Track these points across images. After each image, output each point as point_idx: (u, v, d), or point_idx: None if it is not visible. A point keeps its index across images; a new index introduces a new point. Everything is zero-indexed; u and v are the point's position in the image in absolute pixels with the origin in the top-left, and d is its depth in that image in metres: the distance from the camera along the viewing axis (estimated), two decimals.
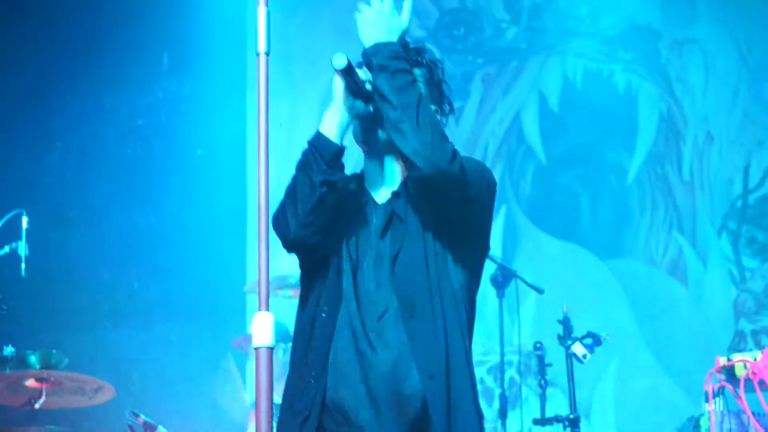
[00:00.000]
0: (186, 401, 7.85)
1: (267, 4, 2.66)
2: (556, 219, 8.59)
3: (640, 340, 8.20)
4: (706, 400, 4.62)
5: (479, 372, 8.23)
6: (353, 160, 3.34)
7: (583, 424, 6.14)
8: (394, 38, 3.21)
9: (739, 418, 4.56)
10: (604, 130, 8.66)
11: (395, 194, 3.28)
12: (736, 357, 4.65)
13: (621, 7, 8.76)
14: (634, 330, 8.21)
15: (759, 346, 7.75)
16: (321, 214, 3.16)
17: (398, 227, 3.23)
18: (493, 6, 8.92)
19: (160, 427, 5.74)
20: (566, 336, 6.14)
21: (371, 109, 3.25)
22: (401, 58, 3.17)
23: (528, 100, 8.76)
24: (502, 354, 7.07)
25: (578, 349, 6.07)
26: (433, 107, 3.30)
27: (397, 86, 3.12)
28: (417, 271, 3.18)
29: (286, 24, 8.43)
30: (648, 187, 8.50)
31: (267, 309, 2.50)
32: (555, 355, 6.42)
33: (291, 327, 3.38)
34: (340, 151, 3.21)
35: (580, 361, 6.08)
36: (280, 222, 3.22)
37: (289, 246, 3.20)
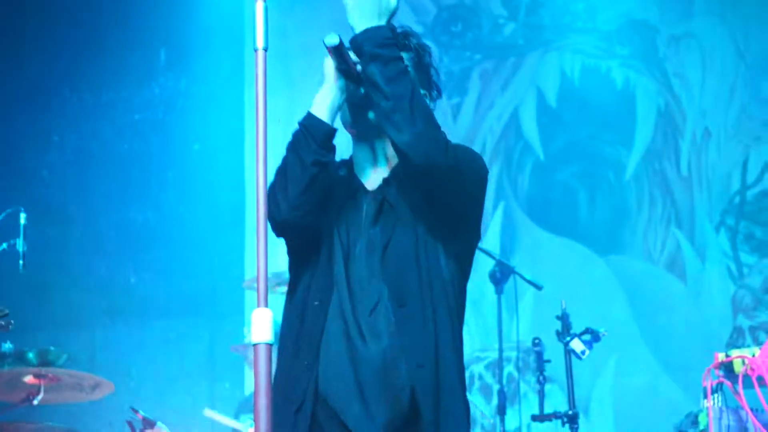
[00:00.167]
0: (184, 397, 7.85)
1: (264, 0, 2.66)
2: (554, 215, 8.59)
3: (639, 337, 8.20)
4: (705, 397, 4.60)
5: (477, 368, 8.24)
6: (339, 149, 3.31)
7: (581, 420, 6.14)
8: (383, 21, 3.11)
9: (738, 415, 4.55)
10: (601, 126, 8.65)
11: (386, 181, 3.26)
12: (735, 353, 4.64)
13: (618, 3, 8.75)
14: (632, 326, 8.21)
15: (757, 342, 7.76)
16: (312, 196, 3.12)
17: (389, 215, 3.21)
18: (491, 2, 8.91)
19: (159, 423, 5.74)
20: (565, 332, 6.14)
21: (362, 91, 3.19)
22: (393, 45, 3.10)
23: (526, 96, 8.76)
24: (501, 350, 7.06)
25: (577, 345, 6.07)
26: (421, 92, 3.23)
27: (389, 75, 3.04)
28: (407, 260, 3.16)
29: (284, 19, 8.42)
30: (646, 183, 8.50)
31: (266, 305, 2.50)
32: (553, 351, 6.42)
33: None
34: (331, 131, 3.17)
35: (579, 358, 6.08)
36: (270, 203, 3.12)
37: (279, 228, 3.16)
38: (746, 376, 4.46)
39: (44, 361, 6.01)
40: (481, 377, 8.24)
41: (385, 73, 3.04)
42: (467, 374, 8.16)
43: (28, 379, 5.95)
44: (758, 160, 8.43)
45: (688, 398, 7.47)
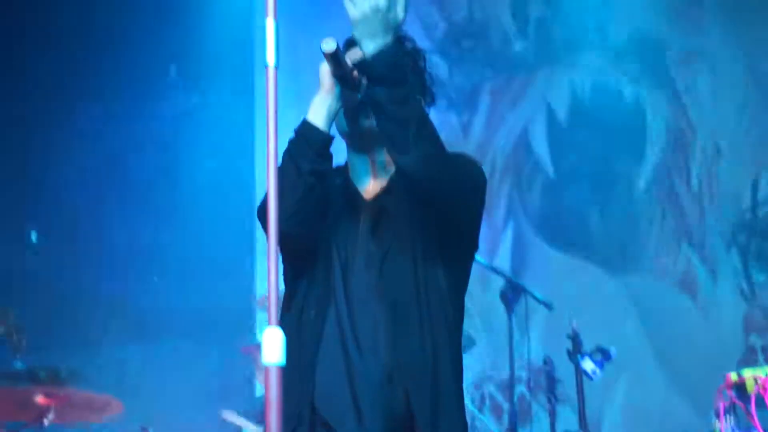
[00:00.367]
0: (194, 416, 7.83)
1: (275, 17, 2.64)
2: (565, 233, 8.56)
3: (650, 355, 8.17)
4: (717, 417, 4.58)
5: (488, 388, 8.21)
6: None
7: None
8: (390, 35, 2.99)
9: None
10: (612, 143, 8.64)
11: (385, 191, 3.23)
12: (747, 373, 4.61)
13: (628, 19, 8.75)
14: (643, 345, 8.18)
15: None
16: (308, 205, 3.06)
17: (387, 226, 3.19)
18: (501, 18, 8.91)
19: None
20: (576, 351, 6.12)
21: (359, 97, 3.15)
22: (402, 65, 3.03)
23: (536, 112, 8.75)
24: (512, 370, 7.03)
25: (588, 365, 6.05)
26: (416, 97, 3.18)
27: (396, 97, 2.96)
28: (405, 273, 3.14)
29: (294, 35, 8.41)
30: (657, 200, 8.48)
31: (277, 325, 2.48)
32: (564, 370, 6.39)
33: None
34: (328, 139, 3.12)
35: (590, 378, 6.05)
36: (265, 212, 3.14)
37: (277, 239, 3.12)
38: (759, 396, 4.43)
39: (55, 381, 6.00)
40: (492, 397, 8.21)
41: (392, 96, 2.96)
42: (478, 394, 8.18)
43: (39, 398, 5.94)
44: None
45: (699, 418, 7.43)
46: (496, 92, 8.82)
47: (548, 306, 6.91)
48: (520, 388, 7.90)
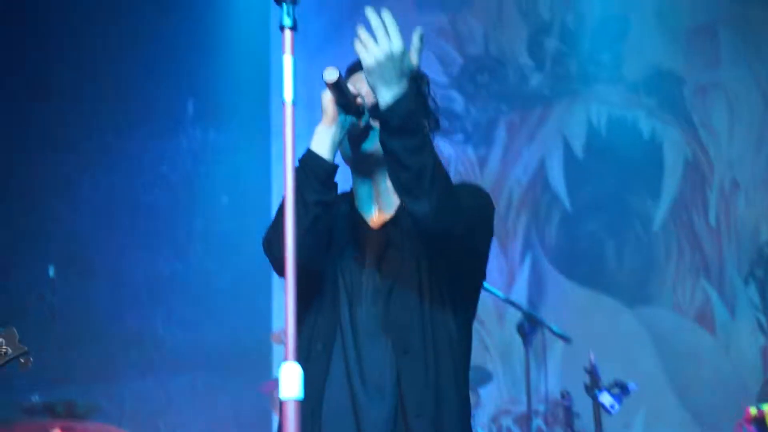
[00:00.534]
0: None
1: (293, 53, 2.66)
2: (582, 266, 8.55)
3: (668, 389, 8.14)
4: None
5: (506, 421, 8.19)
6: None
7: None
8: (404, 82, 2.95)
9: None
10: (629, 177, 8.63)
11: (391, 222, 3.21)
12: (766, 407, 4.59)
13: (644, 53, 8.75)
14: (661, 379, 8.15)
15: None
16: (315, 235, 3.03)
17: (394, 257, 3.16)
18: (517, 52, 8.93)
19: None
20: (593, 385, 6.09)
21: (363, 124, 3.14)
22: (417, 114, 2.98)
23: (552, 146, 8.75)
24: (529, 403, 7.01)
25: (606, 399, 6.02)
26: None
27: (411, 147, 2.91)
28: (411, 307, 3.11)
29: (309, 69, 8.44)
30: (674, 234, 8.46)
31: (295, 359, 2.48)
32: (582, 404, 6.37)
33: None
34: (333, 169, 3.08)
35: (609, 412, 6.03)
36: (272, 244, 3.09)
37: (282, 269, 3.00)
38: None
39: (72, 414, 6.01)
40: (509, 430, 8.18)
41: (408, 146, 2.92)
42: (496, 427, 8.15)
43: None
44: None
45: None
46: (512, 126, 8.83)
47: (566, 339, 6.90)
48: (538, 422, 7.87)
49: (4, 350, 4.06)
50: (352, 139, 3.20)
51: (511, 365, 8.04)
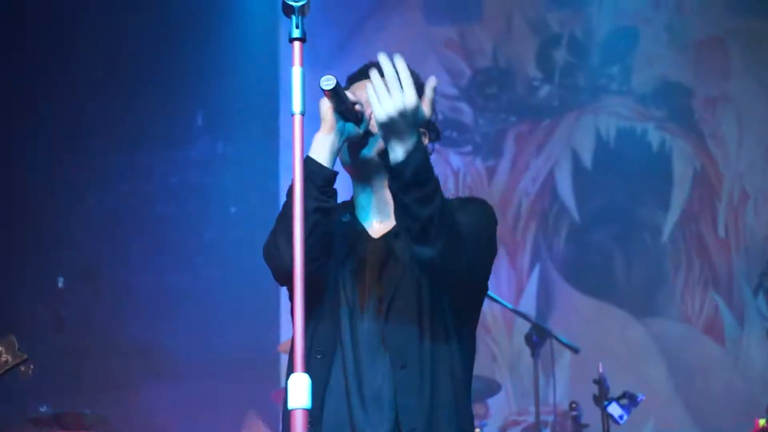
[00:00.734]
0: None
1: (302, 65, 2.67)
2: (591, 277, 8.55)
3: (677, 401, 8.13)
4: None
5: None
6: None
7: None
8: (417, 136, 2.93)
9: None
10: (637, 188, 8.63)
11: (393, 233, 3.19)
12: None
13: (653, 65, 8.76)
14: (670, 390, 8.14)
15: None
16: (315, 242, 2.99)
17: (395, 268, 3.15)
18: (526, 64, 8.94)
19: None
20: (602, 396, 6.10)
21: (361, 130, 3.13)
22: (428, 163, 2.95)
23: (561, 158, 8.75)
24: (538, 414, 7.01)
25: (615, 409, 6.02)
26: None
27: (422, 197, 2.90)
28: (410, 319, 3.10)
29: (318, 81, 8.45)
30: (683, 245, 8.45)
31: (303, 370, 2.48)
32: (591, 415, 6.37)
33: None
34: (332, 176, 3.07)
35: (617, 423, 6.03)
36: (272, 252, 3.09)
37: (283, 276, 3.04)
38: None
39: (80, 425, 6.02)
40: None
41: (418, 197, 2.91)
42: None
43: None
44: None
45: None
46: (521, 138, 8.84)
47: (574, 350, 6.90)
48: None
49: (4, 359, 4.07)
50: (351, 146, 3.19)
51: (520, 376, 8.04)
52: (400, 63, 2.91)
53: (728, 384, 8.13)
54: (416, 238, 2.96)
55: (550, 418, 7.62)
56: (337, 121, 3.10)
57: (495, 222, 3.27)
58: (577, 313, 8.40)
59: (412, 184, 2.90)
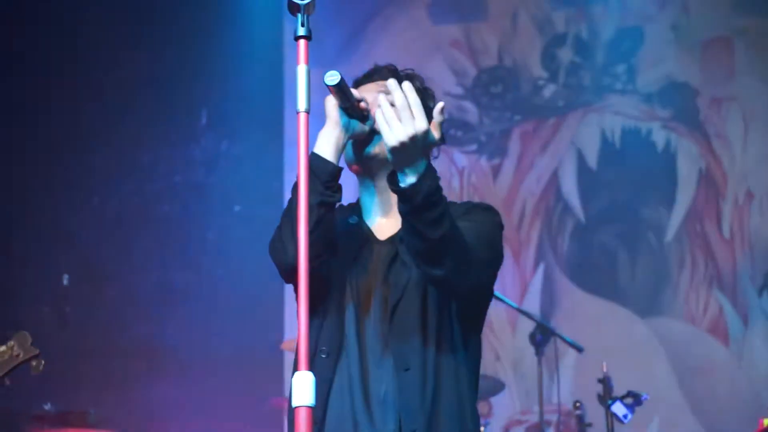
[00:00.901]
0: None
1: (307, 63, 2.66)
2: (595, 276, 8.55)
3: (681, 400, 8.12)
4: None
5: (518, 431, 8.17)
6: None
7: None
8: (426, 160, 2.96)
9: None
10: (642, 188, 8.62)
11: (400, 237, 3.18)
12: None
13: (659, 65, 8.75)
14: (674, 389, 8.14)
15: None
16: (320, 237, 3.02)
17: (401, 272, 3.16)
18: (531, 64, 8.94)
19: None
20: (606, 395, 6.09)
21: (366, 127, 3.15)
22: (438, 185, 2.95)
23: (566, 157, 8.75)
24: (541, 413, 7.01)
25: (619, 409, 6.02)
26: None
27: (432, 219, 2.91)
28: (415, 322, 3.11)
29: (323, 80, 8.46)
30: (687, 245, 8.45)
31: (307, 368, 2.48)
32: (595, 414, 6.36)
33: None
34: (336, 171, 3.09)
35: (622, 422, 6.02)
36: (277, 248, 3.12)
37: (288, 272, 3.04)
38: None
39: (84, 423, 6.02)
40: None
41: (429, 219, 2.92)
42: None
43: None
44: None
45: None
46: (526, 137, 8.83)
47: (578, 349, 6.90)
48: None
49: (16, 353, 4.09)
50: (355, 143, 3.21)
51: (524, 375, 8.03)
52: (410, 91, 2.92)
53: (732, 384, 8.12)
54: (425, 259, 2.99)
55: (554, 418, 7.63)
56: (341, 117, 3.11)
57: (501, 228, 3.28)
58: (582, 312, 8.39)
59: (423, 207, 2.91)
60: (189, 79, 8.91)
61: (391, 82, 2.93)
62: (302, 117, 2.61)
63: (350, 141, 3.18)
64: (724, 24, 8.68)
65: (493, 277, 3.24)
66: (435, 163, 3.10)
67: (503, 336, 8.32)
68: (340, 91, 3.05)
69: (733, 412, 7.87)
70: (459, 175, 8.75)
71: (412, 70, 3.34)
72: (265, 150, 8.87)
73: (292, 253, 2.84)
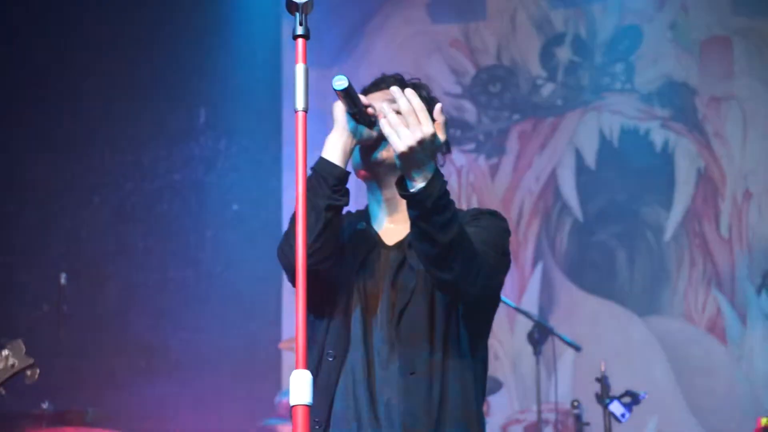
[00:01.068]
0: None
1: (305, 62, 2.67)
2: (593, 276, 8.55)
3: (679, 399, 8.12)
4: None
5: (516, 430, 8.18)
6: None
7: None
8: (434, 162, 3.00)
9: None
10: (641, 187, 8.62)
11: (407, 243, 3.21)
12: None
13: (657, 64, 8.75)
14: (672, 389, 8.14)
15: None
16: (327, 241, 3.07)
17: (409, 277, 3.18)
18: (529, 63, 8.94)
19: None
20: (604, 394, 6.10)
21: (374, 133, 3.16)
22: (447, 193, 3.00)
23: (564, 156, 8.75)
24: (539, 412, 7.01)
25: (617, 408, 6.02)
26: None
27: (442, 223, 2.95)
28: (422, 326, 3.13)
29: (321, 78, 8.47)
30: (686, 244, 8.45)
31: (305, 367, 2.49)
32: (593, 413, 6.36)
33: None
34: (344, 175, 3.12)
35: (619, 421, 6.03)
36: (285, 250, 3.12)
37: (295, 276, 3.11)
38: None
39: (83, 422, 6.01)
40: None
41: (438, 223, 2.96)
42: None
43: None
44: None
45: None
46: (524, 136, 8.84)
47: (576, 348, 6.91)
48: (548, 431, 7.87)
49: (11, 363, 4.09)
50: (363, 149, 3.22)
51: (522, 374, 8.04)
52: (414, 97, 2.97)
53: (731, 383, 8.12)
54: (434, 263, 3.01)
55: (552, 417, 7.63)
56: (349, 122, 3.14)
57: (508, 234, 3.31)
58: (580, 311, 8.40)
59: (433, 211, 2.95)
60: (188, 78, 8.92)
61: (395, 89, 2.98)
62: (300, 116, 2.62)
63: (361, 147, 3.21)
64: (723, 23, 8.68)
65: (500, 283, 3.27)
66: None
67: (502, 335, 8.32)
68: (348, 96, 3.06)
69: (731, 411, 7.87)
70: (457, 174, 8.75)
71: (418, 79, 3.37)
72: (263, 149, 8.87)
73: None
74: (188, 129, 8.98)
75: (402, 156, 2.94)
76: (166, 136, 8.91)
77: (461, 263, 2.98)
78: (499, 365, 8.29)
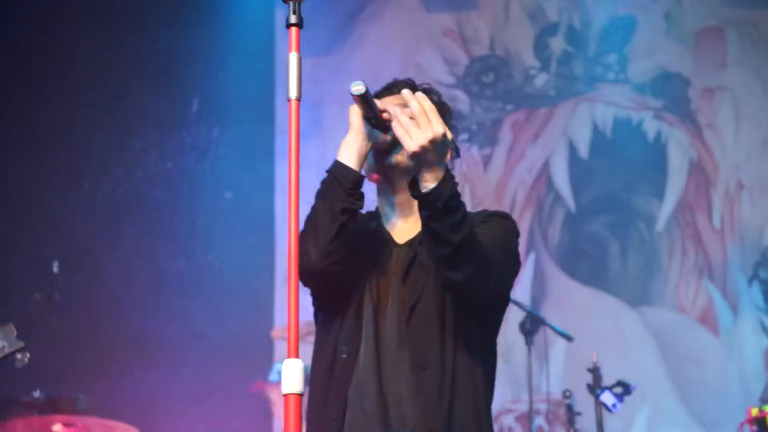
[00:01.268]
0: None
1: (298, 50, 2.66)
2: (585, 266, 8.55)
3: (670, 390, 8.14)
4: None
5: (507, 420, 8.18)
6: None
7: None
8: (445, 163, 3.08)
9: None
10: (633, 178, 8.63)
11: (418, 240, 3.24)
12: None
13: (651, 55, 8.75)
14: (664, 379, 8.15)
15: None
16: (342, 243, 3.10)
17: (420, 273, 3.21)
18: (523, 53, 8.93)
19: None
20: (596, 385, 6.11)
21: (388, 137, 3.19)
22: (458, 193, 3.06)
23: (557, 147, 8.75)
24: (531, 402, 7.02)
25: (608, 398, 6.04)
26: None
27: (453, 224, 3.01)
28: (433, 322, 3.16)
29: (315, 68, 8.47)
30: (678, 235, 8.46)
31: (296, 355, 2.49)
32: (584, 403, 6.37)
33: None
34: (360, 179, 3.15)
35: (610, 411, 6.04)
36: (299, 252, 3.16)
37: (309, 276, 3.12)
38: None
39: (74, 410, 6.02)
40: (510, 430, 8.19)
41: (450, 223, 3.01)
42: (497, 426, 8.14)
43: (58, 428, 5.95)
44: None
45: None
46: (517, 126, 8.83)
47: (568, 338, 6.91)
48: (539, 421, 7.88)
49: (1, 345, 4.09)
50: (377, 153, 3.25)
51: (513, 364, 8.03)
52: (424, 99, 3.05)
53: (722, 373, 8.14)
54: (446, 263, 3.05)
55: (544, 407, 7.65)
56: (364, 126, 3.18)
57: (517, 235, 3.37)
58: (572, 301, 8.40)
59: (444, 211, 3.00)
60: (180, 66, 8.91)
61: (406, 92, 3.06)
62: (293, 104, 2.62)
63: (375, 151, 3.24)
64: (717, 14, 8.68)
65: (510, 284, 3.32)
66: None
67: None
68: (365, 101, 3.10)
69: (722, 401, 7.89)
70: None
71: (429, 84, 3.40)
72: (256, 137, 8.86)
73: (315, 258, 3.06)
74: (181, 118, 8.97)
75: (414, 156, 3.01)
76: (158, 124, 8.90)
77: (472, 264, 3.03)
78: None
